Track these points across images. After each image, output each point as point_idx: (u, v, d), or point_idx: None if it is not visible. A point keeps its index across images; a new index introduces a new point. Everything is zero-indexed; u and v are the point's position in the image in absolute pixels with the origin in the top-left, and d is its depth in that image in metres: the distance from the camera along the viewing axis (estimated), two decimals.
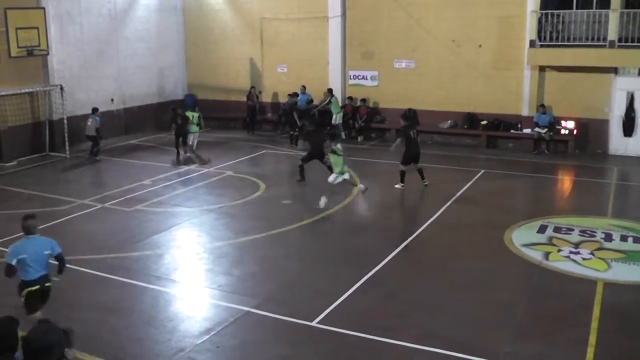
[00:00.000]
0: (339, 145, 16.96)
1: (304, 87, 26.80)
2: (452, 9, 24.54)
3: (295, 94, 25.91)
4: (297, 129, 24.53)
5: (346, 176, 17.01)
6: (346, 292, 11.43)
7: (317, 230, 15.18)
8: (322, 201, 16.53)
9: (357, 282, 11.83)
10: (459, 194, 17.86)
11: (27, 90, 23.21)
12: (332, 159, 17.03)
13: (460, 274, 12.45)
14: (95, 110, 23.12)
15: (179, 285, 12.16)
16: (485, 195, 18.07)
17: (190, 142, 22.84)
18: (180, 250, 14.01)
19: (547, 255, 13.21)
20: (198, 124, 23.02)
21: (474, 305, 11.02)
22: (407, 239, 14.31)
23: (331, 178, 16.95)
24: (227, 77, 29.41)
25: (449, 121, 24.99)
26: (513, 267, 12.86)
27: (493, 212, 16.50)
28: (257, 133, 27.31)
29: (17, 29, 21.53)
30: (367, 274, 12.24)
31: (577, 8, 22.51)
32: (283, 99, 26.96)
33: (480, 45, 24.26)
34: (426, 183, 18.43)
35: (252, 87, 28.31)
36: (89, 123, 22.82)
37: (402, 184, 18.32)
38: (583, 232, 14.55)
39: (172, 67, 30.15)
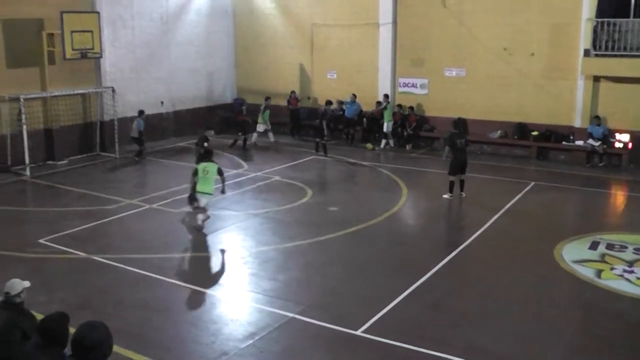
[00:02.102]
0: (200, 165, 15.43)
1: (354, 95, 26.81)
2: (504, 17, 24.25)
3: (329, 102, 25.80)
4: (324, 138, 24.49)
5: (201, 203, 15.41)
6: (392, 301, 11.36)
7: (364, 238, 15.11)
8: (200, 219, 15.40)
9: (403, 292, 11.76)
10: (508, 205, 17.64)
11: (79, 92, 23.67)
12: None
13: (508, 287, 12.27)
14: (141, 112, 23.60)
15: (223, 288, 12.22)
16: (536, 208, 17.80)
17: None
18: (226, 254, 14.10)
19: (599, 273, 12.90)
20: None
21: (522, 321, 10.84)
22: (454, 249, 14.17)
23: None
24: (276, 82, 29.49)
25: (499, 131, 24.72)
26: (563, 283, 12.62)
27: (543, 225, 16.25)
28: (305, 138, 27.32)
29: (72, 32, 21.99)
30: (413, 283, 12.16)
31: (634, 17, 22.06)
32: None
33: (532, 54, 23.94)
34: (463, 195, 18.29)
35: (292, 91, 28.45)
36: (134, 125, 23.35)
37: (450, 194, 18.16)
38: (637, 250, 14.19)
39: (221, 70, 30.38)
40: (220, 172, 15.37)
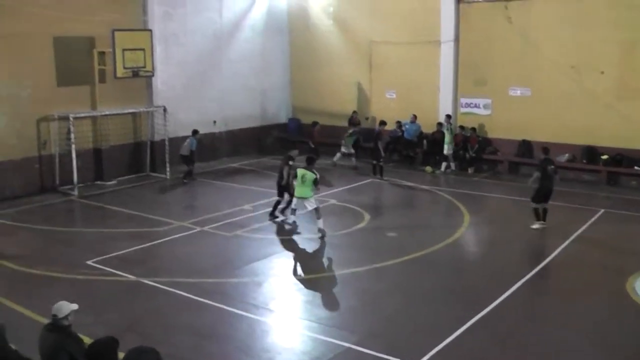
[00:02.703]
0: (300, 170, 17.30)
1: (414, 115, 26.74)
2: (571, 33, 23.83)
3: (383, 123, 25.43)
4: (380, 160, 24.37)
5: (298, 206, 17.51)
6: (453, 333, 11.16)
7: (424, 266, 14.94)
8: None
9: (465, 323, 11.55)
10: (576, 234, 17.24)
11: (130, 111, 24.11)
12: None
13: (577, 322, 11.95)
14: (195, 132, 23.79)
15: (276, 315, 12.19)
16: (606, 237, 17.37)
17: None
18: (279, 279, 14.09)
19: None
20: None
21: (592, 358, 10.56)
22: (520, 279, 13.86)
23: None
24: (332, 101, 29.59)
25: (567, 155, 24.26)
26: (637, 319, 12.26)
27: (614, 256, 15.83)
28: (364, 160, 27.23)
29: (123, 50, 22.45)
30: (476, 314, 11.94)
31: None
32: (390, 125, 26.76)
33: (602, 72, 23.46)
34: (544, 225, 17.80)
35: (355, 112, 28.39)
36: (185, 143, 23.56)
37: (541, 222, 17.69)
38: None
39: (276, 89, 30.63)
40: (315, 183, 17.03)
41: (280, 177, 18.60)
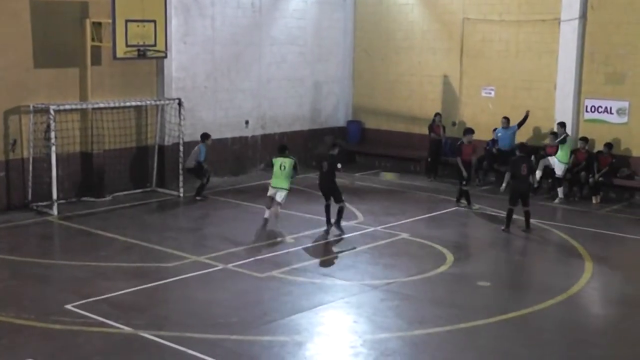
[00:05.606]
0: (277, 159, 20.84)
1: (507, 119, 26.62)
2: None
3: (470, 131, 24.62)
4: (463, 182, 23.75)
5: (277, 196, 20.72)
6: None
7: (528, 329, 14.65)
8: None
9: None
10: None
11: (133, 104, 24.22)
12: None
13: None
14: (205, 137, 24.08)
15: None
16: None
17: None
18: (329, 340, 13.94)
19: None
20: None
21: None
22: None
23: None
24: (409, 101, 29.72)
25: None
26: None
27: None
28: (446, 180, 27.05)
29: (127, 21, 22.33)
30: None
31: None
32: (486, 134, 26.60)
33: None
34: None
35: (437, 114, 28.40)
36: (192, 152, 23.89)
37: None
38: None
39: (334, 81, 30.77)
40: (295, 168, 20.76)
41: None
